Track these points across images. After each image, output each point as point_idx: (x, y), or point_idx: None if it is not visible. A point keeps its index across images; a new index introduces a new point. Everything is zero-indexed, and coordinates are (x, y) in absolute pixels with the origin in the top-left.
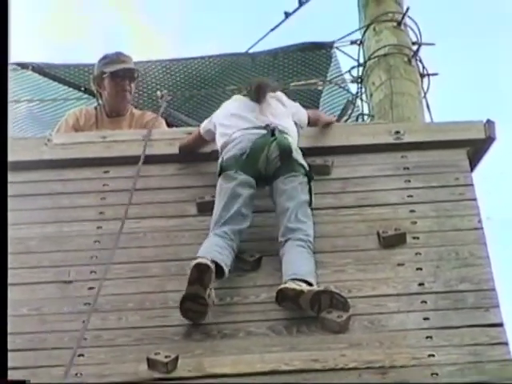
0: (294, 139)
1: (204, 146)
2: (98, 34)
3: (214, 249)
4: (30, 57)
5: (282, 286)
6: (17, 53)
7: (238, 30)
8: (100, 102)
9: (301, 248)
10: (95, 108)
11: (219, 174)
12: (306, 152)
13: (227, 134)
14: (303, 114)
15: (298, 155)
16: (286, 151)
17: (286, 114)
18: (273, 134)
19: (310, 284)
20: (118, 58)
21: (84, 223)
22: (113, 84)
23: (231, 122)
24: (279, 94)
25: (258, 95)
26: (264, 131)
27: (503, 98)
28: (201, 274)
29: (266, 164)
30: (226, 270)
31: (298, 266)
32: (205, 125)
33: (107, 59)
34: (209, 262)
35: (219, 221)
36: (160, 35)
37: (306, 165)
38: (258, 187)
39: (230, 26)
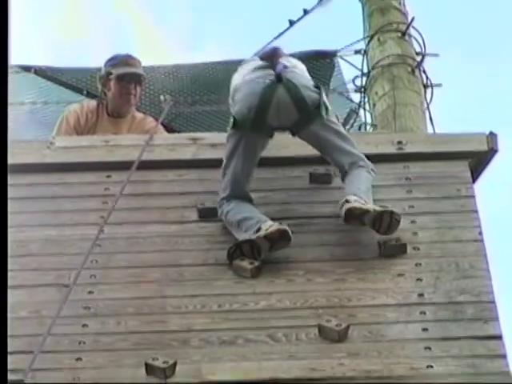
0: (302, 72)
1: None
2: (103, 35)
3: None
4: (33, 58)
5: (350, 205)
6: (20, 55)
7: (243, 36)
8: (103, 99)
9: (362, 168)
10: (98, 104)
11: (232, 125)
12: (308, 160)
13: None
14: None
15: (310, 94)
16: (297, 97)
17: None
18: (279, 80)
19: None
20: (126, 60)
21: (85, 227)
22: (118, 86)
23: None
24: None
25: (272, 62)
26: (270, 74)
27: (507, 110)
28: (279, 239)
29: (277, 116)
30: None
31: (357, 185)
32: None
33: (116, 60)
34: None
35: (234, 187)
36: (165, 38)
37: (318, 99)
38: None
39: (235, 32)
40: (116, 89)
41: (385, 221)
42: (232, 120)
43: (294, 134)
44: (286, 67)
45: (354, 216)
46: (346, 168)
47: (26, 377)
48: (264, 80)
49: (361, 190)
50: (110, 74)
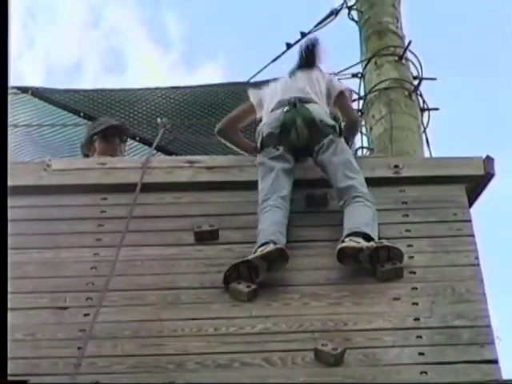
0: (319, 105)
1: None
2: (98, 57)
3: (279, 229)
4: (29, 79)
5: (342, 245)
6: (16, 75)
7: (241, 59)
8: None
9: (357, 203)
10: None
11: (260, 150)
12: (305, 184)
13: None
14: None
15: (323, 118)
16: (308, 120)
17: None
18: (295, 106)
19: (366, 235)
20: (106, 119)
21: (81, 249)
22: (103, 144)
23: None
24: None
25: (307, 62)
26: (287, 107)
27: (504, 133)
28: (276, 259)
29: (296, 136)
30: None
31: (354, 219)
32: (254, 94)
33: (95, 123)
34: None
35: (270, 191)
36: (163, 59)
37: (333, 123)
38: (299, 160)
39: (231, 54)
40: (101, 147)
41: (382, 256)
42: (259, 145)
43: (313, 158)
44: (301, 102)
45: (348, 256)
46: (341, 202)
47: None
48: (283, 109)
49: (361, 223)
50: (94, 135)
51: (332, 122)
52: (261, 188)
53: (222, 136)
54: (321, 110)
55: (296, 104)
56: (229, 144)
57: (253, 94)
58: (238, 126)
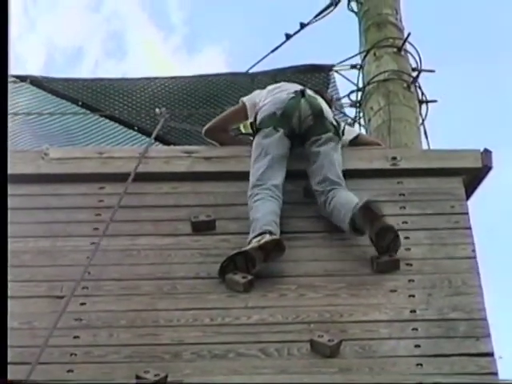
0: (324, 104)
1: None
2: (101, 41)
3: (274, 219)
4: (32, 63)
5: (371, 201)
6: (14, 63)
7: (243, 44)
8: None
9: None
10: None
11: (256, 131)
12: (302, 175)
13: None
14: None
15: (329, 115)
16: (317, 110)
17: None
18: (303, 95)
19: None
20: None
21: (78, 239)
22: None
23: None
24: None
25: None
26: (294, 94)
27: (502, 126)
28: (273, 249)
29: (298, 122)
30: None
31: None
32: (247, 98)
33: None
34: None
35: (263, 177)
36: (165, 44)
37: (336, 123)
38: (293, 146)
39: (235, 40)
40: None
41: (387, 238)
42: (257, 125)
43: (304, 143)
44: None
45: (369, 214)
46: (324, 183)
47: None
48: (288, 93)
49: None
50: None
51: (335, 123)
52: (253, 171)
53: (208, 136)
54: (328, 108)
55: (304, 92)
56: (215, 143)
57: (246, 98)
58: (227, 127)
